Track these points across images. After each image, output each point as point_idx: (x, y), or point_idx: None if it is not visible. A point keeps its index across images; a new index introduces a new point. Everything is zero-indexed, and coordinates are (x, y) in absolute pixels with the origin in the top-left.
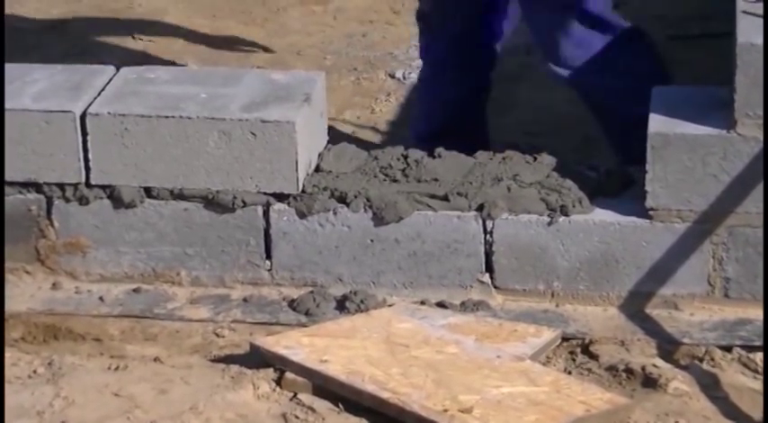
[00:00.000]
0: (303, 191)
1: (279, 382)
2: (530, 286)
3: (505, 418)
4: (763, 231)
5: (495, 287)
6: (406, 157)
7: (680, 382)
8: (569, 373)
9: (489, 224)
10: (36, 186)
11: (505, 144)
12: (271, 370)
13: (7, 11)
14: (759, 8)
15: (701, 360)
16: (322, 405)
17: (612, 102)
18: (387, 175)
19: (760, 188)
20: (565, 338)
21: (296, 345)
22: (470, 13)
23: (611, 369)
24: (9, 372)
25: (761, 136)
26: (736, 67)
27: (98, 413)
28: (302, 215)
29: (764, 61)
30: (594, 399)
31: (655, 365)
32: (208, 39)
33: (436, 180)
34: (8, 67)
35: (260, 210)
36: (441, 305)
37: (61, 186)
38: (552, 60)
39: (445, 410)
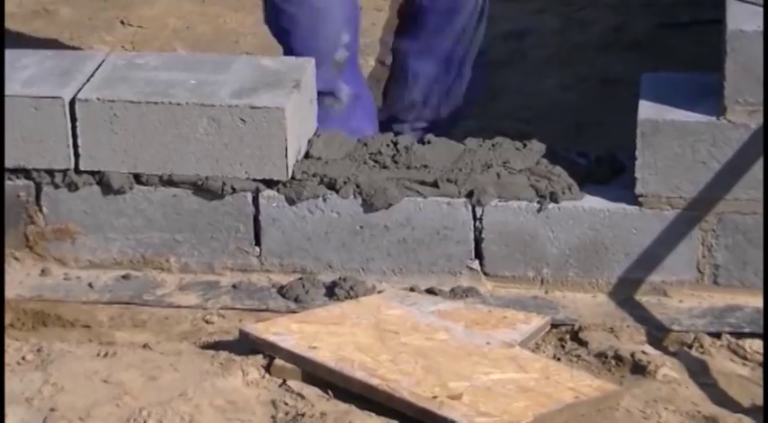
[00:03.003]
0: (293, 177)
1: (268, 368)
2: (519, 273)
3: (495, 404)
4: (763, 222)
5: (485, 274)
6: (395, 144)
7: (669, 369)
8: (558, 359)
9: (479, 211)
10: (25, 172)
11: (495, 130)
12: (260, 356)
13: None
14: None
15: (690, 347)
16: (311, 392)
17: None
18: (376, 162)
19: (750, 175)
20: (554, 325)
21: (285, 331)
22: None
23: (601, 356)
24: None
25: (751, 123)
26: (725, 54)
27: (87, 400)
28: (292, 202)
29: (764, 52)
30: (584, 385)
31: (644, 352)
32: (197, 24)
33: (426, 166)
34: None
35: (249, 196)
36: (430, 292)
37: (50, 172)
38: None
39: (434, 397)
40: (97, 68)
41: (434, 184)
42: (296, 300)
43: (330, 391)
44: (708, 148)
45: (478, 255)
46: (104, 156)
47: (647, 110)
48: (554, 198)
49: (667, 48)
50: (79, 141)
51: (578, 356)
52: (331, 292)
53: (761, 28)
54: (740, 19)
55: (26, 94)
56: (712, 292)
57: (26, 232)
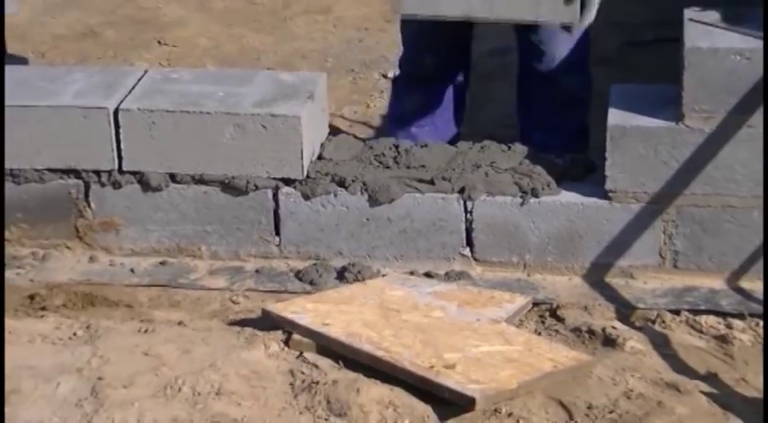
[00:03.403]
0: (307, 176)
1: (287, 342)
2: (505, 258)
3: (484, 373)
4: (763, 221)
5: (475, 259)
6: (397, 147)
7: (635, 342)
8: (539, 334)
9: (470, 205)
10: (75, 173)
11: (483, 135)
12: (280, 332)
13: (51, 19)
14: (704, 16)
15: (654, 322)
16: (324, 362)
17: None
18: (380, 163)
19: (705, 173)
20: (535, 304)
21: (302, 310)
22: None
23: (576, 330)
24: (52, 334)
25: (705, 127)
26: (683, 69)
27: (129, 370)
28: (307, 197)
29: (765, 67)
30: (561, 356)
31: (613, 327)
32: (224, 44)
33: (423, 166)
34: (51, 68)
35: (270, 193)
36: (427, 275)
37: (97, 173)
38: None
39: (432, 367)
40: (138, 82)
41: (431, 182)
42: (311, 283)
43: (341, 362)
44: (668, 149)
45: (469, 243)
46: (144, 158)
47: (615, 117)
48: (535, 193)
49: (633, 63)
50: (122, 146)
51: (556, 331)
52: (341, 275)
53: (714, 45)
54: (696, 38)
55: (76, 105)
56: (672, 275)
57: (76, 225)
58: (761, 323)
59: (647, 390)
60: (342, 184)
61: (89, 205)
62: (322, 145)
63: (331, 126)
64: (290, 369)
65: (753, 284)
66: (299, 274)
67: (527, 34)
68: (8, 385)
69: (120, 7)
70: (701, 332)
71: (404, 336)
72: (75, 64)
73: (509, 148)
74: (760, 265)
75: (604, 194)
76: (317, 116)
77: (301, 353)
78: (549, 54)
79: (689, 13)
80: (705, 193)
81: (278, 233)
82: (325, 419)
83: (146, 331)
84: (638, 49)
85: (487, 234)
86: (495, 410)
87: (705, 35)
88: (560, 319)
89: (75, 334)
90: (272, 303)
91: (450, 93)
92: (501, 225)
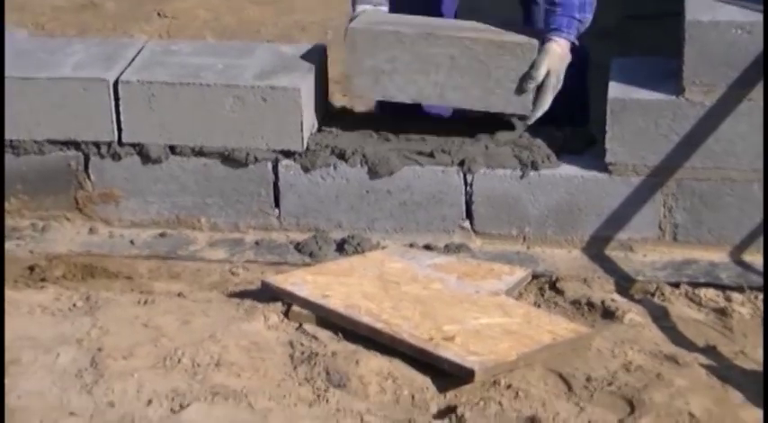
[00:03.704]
0: (307, 148)
1: (286, 314)
2: (504, 231)
3: (483, 345)
4: (763, 194)
5: (475, 232)
6: (397, 119)
7: (634, 314)
8: (539, 306)
9: (469, 177)
10: (75, 144)
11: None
12: (279, 304)
13: None
14: None
15: (653, 295)
16: (324, 334)
17: None
18: (380, 135)
19: (705, 146)
20: (535, 276)
21: (301, 282)
22: None
23: (575, 303)
24: (52, 305)
25: (705, 101)
26: (684, 42)
27: (129, 341)
28: (306, 169)
29: (765, 40)
30: (560, 328)
31: (613, 300)
32: (224, 16)
33: (423, 139)
34: (50, 40)
35: (270, 165)
36: (427, 247)
37: (97, 144)
38: None
39: (431, 339)
40: (137, 54)
41: (431, 155)
42: (310, 254)
43: (340, 334)
44: (668, 123)
45: (469, 215)
46: (143, 130)
47: (615, 90)
48: (535, 166)
49: (633, 36)
50: (122, 117)
51: (556, 303)
52: (341, 247)
53: (715, 18)
54: (697, 11)
55: (75, 77)
56: (672, 248)
57: (76, 196)
58: (760, 296)
59: (646, 362)
60: (342, 156)
61: (89, 177)
62: (322, 117)
63: (331, 98)
64: (289, 340)
65: (752, 257)
66: (298, 246)
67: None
68: (8, 356)
69: None
70: (700, 305)
71: (403, 308)
72: (75, 36)
73: (509, 121)
74: (760, 238)
75: (604, 167)
76: (316, 88)
77: (301, 324)
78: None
79: None
80: (705, 166)
81: (277, 205)
82: (325, 390)
83: (145, 302)
84: (638, 23)
85: (487, 207)
86: (495, 382)
87: (706, 8)
88: (560, 292)
89: (74, 305)
90: (271, 275)
91: None
92: (501, 198)
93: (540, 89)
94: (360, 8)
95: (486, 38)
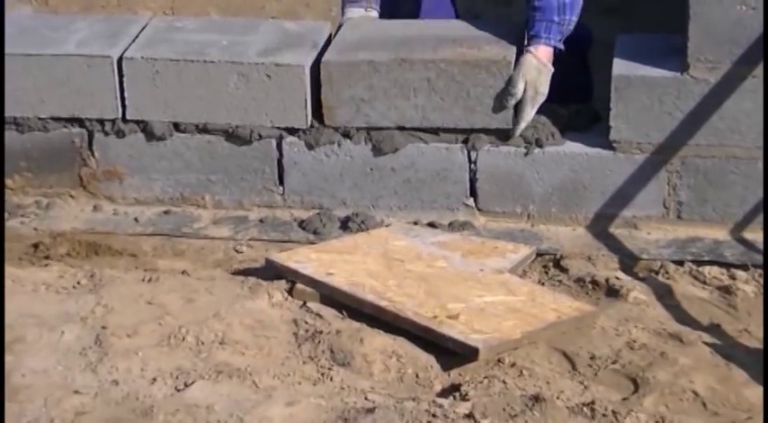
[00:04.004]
0: (311, 126)
1: (290, 292)
2: (508, 209)
3: (487, 323)
4: (763, 171)
5: (479, 210)
6: None
7: (638, 292)
8: (543, 284)
9: (473, 155)
10: (79, 122)
11: None
12: (283, 281)
13: None
14: None
15: (657, 273)
16: (328, 312)
17: None
18: None
19: (709, 124)
20: (539, 254)
21: (305, 259)
22: None
23: (579, 281)
24: (56, 283)
25: (710, 78)
26: (688, 18)
27: (133, 319)
28: (311, 147)
29: (765, 17)
30: (565, 306)
31: (617, 278)
32: None
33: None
34: (54, 17)
35: (274, 142)
36: (431, 225)
37: (101, 121)
38: None
39: (435, 317)
40: (141, 31)
41: (435, 132)
42: (314, 232)
43: (344, 312)
44: (673, 100)
45: (473, 193)
46: (148, 107)
47: (620, 67)
48: (539, 144)
49: (638, 13)
50: (126, 94)
51: (560, 281)
52: (345, 225)
53: None
54: None
55: (80, 53)
56: (676, 226)
57: (80, 174)
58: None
59: (650, 340)
60: (346, 134)
61: (93, 154)
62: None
63: None
64: (293, 318)
65: (756, 235)
66: (302, 224)
67: None
68: (12, 334)
69: None
70: (704, 283)
71: (407, 286)
72: (79, 12)
73: None
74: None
75: (609, 145)
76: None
77: (305, 302)
78: None
79: None
80: (709, 143)
81: (282, 183)
82: (329, 369)
83: (149, 280)
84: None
85: (491, 184)
86: (499, 360)
87: None
88: (564, 270)
89: (78, 283)
90: (275, 253)
91: None
92: (505, 175)
93: (519, 103)
94: (348, 14)
95: (460, 58)
